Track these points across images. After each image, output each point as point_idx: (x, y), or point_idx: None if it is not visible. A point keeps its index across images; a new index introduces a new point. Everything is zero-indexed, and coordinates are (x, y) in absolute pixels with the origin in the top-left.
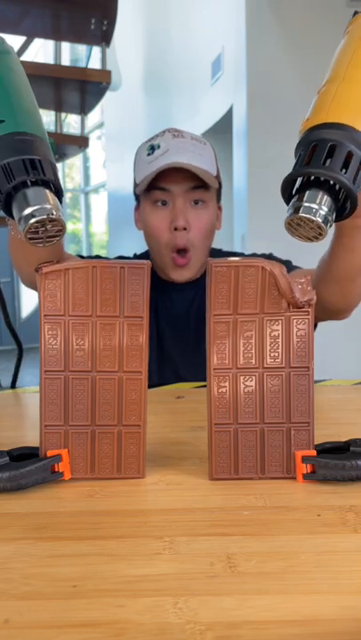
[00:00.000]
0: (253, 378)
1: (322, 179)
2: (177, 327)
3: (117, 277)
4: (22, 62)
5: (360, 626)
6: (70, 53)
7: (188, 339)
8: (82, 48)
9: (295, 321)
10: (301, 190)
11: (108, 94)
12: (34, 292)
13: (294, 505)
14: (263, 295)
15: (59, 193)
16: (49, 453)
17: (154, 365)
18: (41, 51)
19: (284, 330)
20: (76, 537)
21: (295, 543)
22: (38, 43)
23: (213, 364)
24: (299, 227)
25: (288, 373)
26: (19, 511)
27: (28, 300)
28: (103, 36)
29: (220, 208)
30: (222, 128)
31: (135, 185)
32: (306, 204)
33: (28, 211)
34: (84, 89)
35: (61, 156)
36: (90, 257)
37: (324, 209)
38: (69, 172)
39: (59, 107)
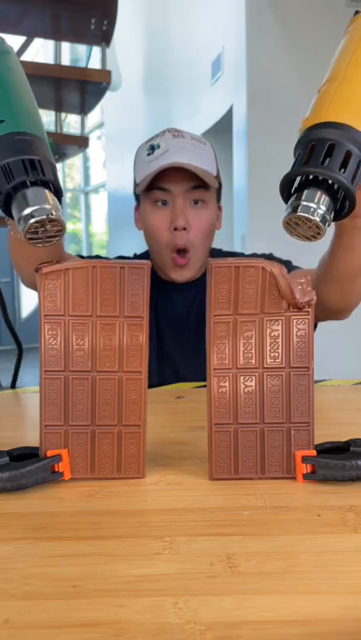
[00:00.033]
0: (253, 378)
1: (320, 178)
2: (177, 327)
3: (117, 277)
4: (22, 62)
5: (360, 626)
6: (70, 53)
7: (188, 339)
8: (82, 48)
9: (295, 321)
10: (300, 189)
11: (108, 94)
12: (34, 291)
13: (294, 505)
14: (263, 295)
15: (58, 193)
16: (49, 453)
17: (154, 365)
18: (41, 51)
19: (284, 330)
20: (76, 537)
21: (295, 543)
22: (38, 43)
23: (213, 364)
24: (297, 226)
25: (288, 373)
26: (19, 511)
27: (28, 300)
28: (103, 36)
29: (220, 208)
30: (222, 128)
31: (135, 185)
32: (304, 203)
33: (27, 211)
34: (84, 89)
35: (61, 156)
36: (90, 257)
37: (323, 208)
38: (69, 172)
39: (59, 107)
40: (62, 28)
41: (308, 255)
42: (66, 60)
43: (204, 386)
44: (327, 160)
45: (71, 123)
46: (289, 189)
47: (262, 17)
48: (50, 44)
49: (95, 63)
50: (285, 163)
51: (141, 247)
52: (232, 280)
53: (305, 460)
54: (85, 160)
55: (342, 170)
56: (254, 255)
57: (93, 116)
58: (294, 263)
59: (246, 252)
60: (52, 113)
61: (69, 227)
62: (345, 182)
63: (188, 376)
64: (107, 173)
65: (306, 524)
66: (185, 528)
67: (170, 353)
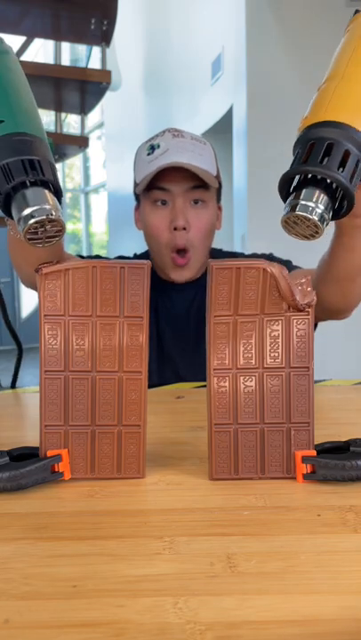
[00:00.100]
0: (253, 378)
1: (319, 177)
2: (177, 327)
3: (117, 277)
4: (22, 62)
5: (360, 626)
6: (70, 53)
7: (188, 339)
8: (82, 48)
9: (295, 321)
10: (299, 188)
11: (108, 94)
12: (34, 292)
13: (294, 505)
14: (264, 296)
15: (58, 193)
16: (49, 453)
17: (154, 365)
18: (41, 51)
19: (284, 330)
20: (76, 537)
21: (295, 543)
22: (38, 43)
23: (213, 364)
24: (295, 225)
25: (288, 373)
26: (19, 511)
27: (28, 300)
28: (103, 36)
29: (220, 208)
30: (222, 128)
31: (135, 185)
32: (302, 202)
33: (27, 211)
34: (84, 89)
35: (61, 156)
36: (90, 257)
37: (321, 207)
38: (69, 172)
39: (59, 107)
40: (62, 28)
41: (308, 255)
42: (66, 60)
43: (204, 386)
44: (326, 159)
45: (71, 123)
46: (288, 188)
47: (262, 17)
48: (50, 43)
49: (95, 63)
50: (285, 162)
51: (141, 247)
52: (233, 281)
53: (305, 460)
54: (85, 160)
55: (341, 169)
56: (254, 255)
57: (93, 116)
58: (294, 263)
59: (246, 252)
60: (52, 113)
61: (69, 227)
62: (343, 181)
63: (187, 376)
64: (107, 173)
65: (306, 524)
66: (185, 528)
67: (170, 353)
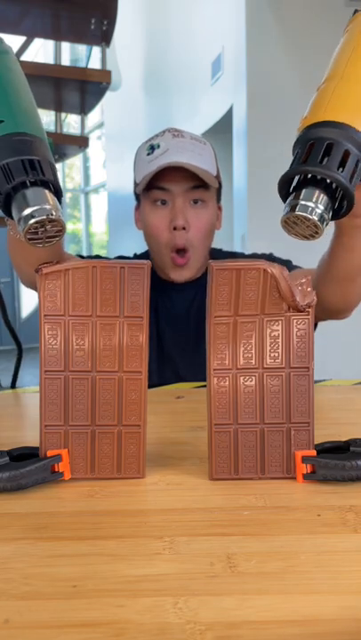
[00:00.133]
0: (253, 378)
1: (318, 177)
2: (177, 327)
3: (117, 277)
4: (22, 62)
5: (360, 626)
6: (70, 53)
7: (188, 339)
8: (82, 48)
9: (295, 321)
10: (298, 188)
11: (108, 94)
12: (34, 292)
13: (294, 505)
14: (264, 297)
15: (58, 193)
16: (49, 453)
17: (154, 365)
18: (41, 51)
19: (284, 330)
20: (76, 537)
21: (295, 543)
22: (38, 43)
23: (213, 364)
24: (295, 225)
25: (288, 374)
26: (19, 511)
27: (28, 300)
28: (103, 36)
29: (220, 208)
30: (222, 128)
31: (135, 184)
32: (302, 203)
33: (27, 211)
34: (84, 89)
35: (61, 156)
36: (90, 257)
37: (321, 207)
38: (69, 172)
39: (59, 107)
40: (62, 28)
41: (309, 255)
42: (66, 60)
43: (204, 386)
44: (325, 159)
45: (71, 123)
46: (287, 188)
47: (262, 17)
48: (50, 43)
49: (95, 63)
50: (285, 162)
51: (141, 247)
52: (233, 282)
53: (305, 460)
54: (85, 160)
55: (340, 169)
56: (254, 255)
57: (93, 116)
58: (294, 263)
59: (246, 252)
60: (52, 113)
61: (69, 227)
62: (343, 181)
63: (187, 376)
64: (107, 173)
65: (306, 524)
66: (185, 528)
67: (170, 353)
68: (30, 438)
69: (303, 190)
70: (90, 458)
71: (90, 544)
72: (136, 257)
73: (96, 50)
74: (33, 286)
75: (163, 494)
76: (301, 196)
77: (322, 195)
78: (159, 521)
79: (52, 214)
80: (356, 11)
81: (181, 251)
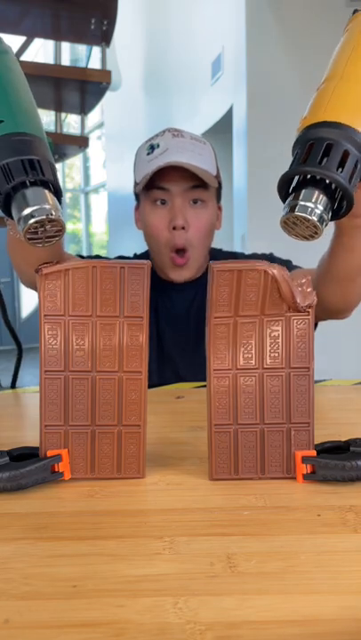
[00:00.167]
0: (253, 378)
1: (318, 177)
2: (177, 327)
3: (117, 277)
4: (22, 62)
5: (360, 626)
6: (70, 53)
7: (188, 339)
8: (82, 48)
9: (295, 321)
10: (298, 189)
11: (108, 94)
12: (34, 292)
13: (294, 505)
14: (264, 298)
15: (58, 193)
16: (49, 453)
17: (154, 365)
18: (41, 51)
19: (284, 330)
20: (76, 537)
21: (295, 543)
22: (38, 43)
23: (213, 364)
24: (295, 225)
25: (288, 374)
26: (19, 511)
27: (28, 300)
28: (103, 36)
29: (220, 208)
30: (222, 128)
31: (135, 184)
32: (302, 203)
33: (27, 211)
34: (84, 89)
35: (61, 156)
36: (90, 257)
37: (320, 208)
38: (69, 172)
39: (59, 107)
40: (62, 28)
41: (309, 255)
42: (66, 60)
43: (204, 386)
44: (325, 160)
45: (71, 123)
46: (287, 189)
47: (262, 17)
48: (50, 43)
49: (95, 63)
50: (285, 163)
51: (141, 247)
52: (234, 283)
53: (305, 460)
54: (85, 160)
55: (340, 169)
56: (254, 255)
57: (93, 116)
58: (294, 263)
59: (246, 252)
60: (52, 113)
61: (69, 227)
62: (342, 182)
63: (188, 376)
64: (107, 173)
65: (306, 524)
66: (185, 528)
67: (170, 353)
68: (30, 438)
69: (303, 191)
70: (90, 458)
71: (90, 544)
72: (136, 257)
73: (96, 50)
74: (33, 286)
75: (163, 494)
76: (301, 197)
77: (321, 195)
78: (159, 521)
79: (51, 214)
80: (355, 11)
81: (181, 250)
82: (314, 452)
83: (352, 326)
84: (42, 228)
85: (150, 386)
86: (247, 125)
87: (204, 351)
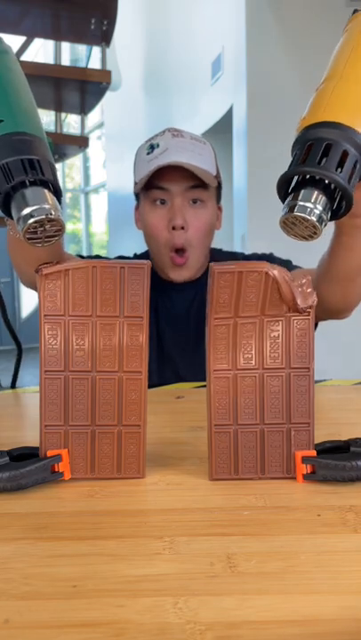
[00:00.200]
0: (253, 379)
1: (317, 178)
2: (177, 327)
3: (117, 277)
4: (22, 62)
5: (360, 626)
6: (70, 53)
7: (188, 339)
8: (82, 48)
9: (295, 322)
10: (297, 189)
11: (108, 94)
12: (34, 291)
13: (294, 505)
14: (265, 299)
15: (57, 193)
16: (49, 453)
17: (154, 365)
18: (41, 51)
19: (284, 331)
20: (76, 537)
21: (295, 543)
22: (38, 43)
23: (213, 365)
24: (294, 225)
25: (288, 374)
26: (19, 511)
27: (28, 300)
28: (103, 36)
29: (220, 208)
30: (222, 128)
31: (135, 184)
32: (301, 203)
33: (26, 211)
34: (84, 89)
35: (61, 156)
36: (90, 257)
37: (319, 208)
38: (69, 172)
39: (59, 107)
40: (62, 28)
41: (309, 255)
42: (66, 60)
43: (204, 386)
44: (324, 160)
45: (71, 123)
46: (286, 189)
47: (262, 17)
48: (50, 43)
49: (95, 63)
50: (285, 163)
51: (141, 247)
52: (234, 285)
53: (305, 460)
54: (85, 160)
55: (339, 169)
56: (254, 255)
57: (93, 116)
58: (294, 263)
59: (246, 252)
60: (52, 113)
61: (69, 227)
62: (341, 182)
63: (187, 376)
64: (107, 173)
65: (306, 524)
66: (185, 528)
67: (170, 353)
68: (30, 438)
69: (302, 191)
70: (90, 458)
71: (90, 544)
72: (136, 257)
73: (96, 50)
74: (33, 286)
75: (163, 494)
76: (300, 197)
77: (320, 195)
78: (159, 521)
79: (51, 214)
80: (355, 10)
81: (180, 250)
82: (314, 453)
83: (352, 326)
84: (41, 228)
85: (150, 386)
86: (247, 125)
87: (204, 351)
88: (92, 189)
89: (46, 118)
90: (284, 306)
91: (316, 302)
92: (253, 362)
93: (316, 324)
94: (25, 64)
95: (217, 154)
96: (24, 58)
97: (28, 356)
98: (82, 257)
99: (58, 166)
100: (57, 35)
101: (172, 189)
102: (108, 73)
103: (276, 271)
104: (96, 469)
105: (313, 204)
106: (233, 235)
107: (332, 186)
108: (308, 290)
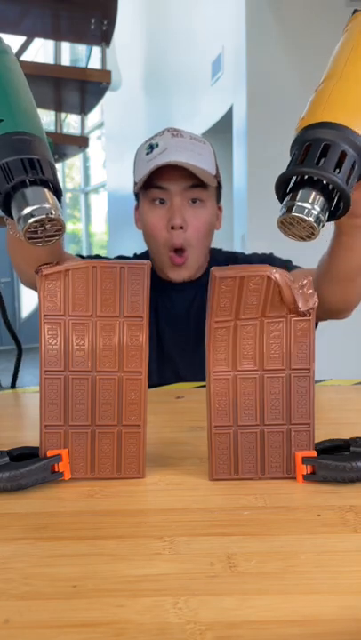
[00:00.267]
0: (253, 380)
1: (315, 178)
2: (177, 327)
3: (117, 277)
4: (22, 62)
5: (360, 626)
6: (70, 53)
7: (188, 339)
8: (82, 48)
9: (296, 322)
10: (295, 189)
11: (108, 94)
12: (34, 291)
13: (294, 505)
14: (266, 301)
15: (57, 192)
16: (49, 453)
17: (154, 365)
18: (41, 51)
19: (284, 331)
20: (76, 537)
21: (295, 543)
22: (38, 43)
23: (213, 366)
24: (292, 226)
25: (288, 375)
26: (19, 511)
27: (28, 300)
28: (103, 36)
29: (220, 208)
30: (222, 128)
31: (135, 184)
32: (298, 204)
33: (26, 210)
34: (84, 89)
35: (61, 155)
36: (90, 257)
37: (317, 208)
38: (69, 172)
39: (59, 107)
40: (62, 28)
41: (309, 255)
42: (66, 60)
43: (204, 386)
44: (322, 160)
45: (71, 123)
46: (284, 189)
47: (262, 17)
48: (50, 43)
49: (95, 63)
50: (285, 163)
51: (141, 247)
52: (235, 289)
53: (305, 461)
54: (85, 160)
55: (337, 170)
56: (254, 255)
57: (93, 116)
58: (294, 263)
59: (246, 252)
60: (52, 113)
61: (69, 227)
62: (339, 183)
63: (188, 376)
64: (107, 173)
65: (306, 524)
66: (185, 528)
67: (170, 353)
68: (30, 438)
69: (300, 191)
70: (90, 458)
71: (90, 544)
72: (136, 257)
73: (96, 50)
74: (33, 286)
75: (163, 494)
76: (298, 198)
77: (318, 196)
78: (159, 521)
79: (51, 213)
80: (355, 10)
81: (179, 250)
82: (314, 453)
83: (352, 326)
84: (42, 228)
85: (150, 386)
86: (247, 125)
87: (204, 351)
88: (92, 189)
89: (46, 118)
90: (284, 308)
91: (318, 304)
92: (253, 363)
93: (316, 324)
94: (25, 64)
95: (217, 154)
96: (24, 58)
97: (28, 355)
98: (82, 257)
99: (58, 166)
100: (57, 35)
101: (171, 189)
102: (108, 73)
103: (278, 275)
104: (96, 469)
105: (311, 205)
106: (233, 235)
107: (331, 186)
108: (309, 291)
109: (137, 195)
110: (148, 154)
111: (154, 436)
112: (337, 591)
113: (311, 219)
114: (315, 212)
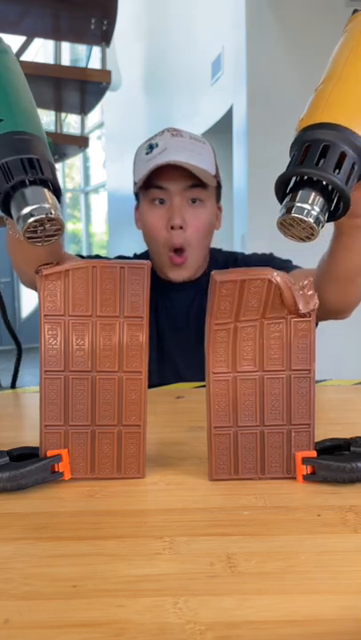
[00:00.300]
0: (253, 381)
1: (315, 179)
2: (177, 327)
3: (117, 277)
4: (22, 62)
5: (360, 626)
6: (70, 53)
7: (188, 338)
8: (82, 48)
9: (296, 323)
10: (294, 190)
11: (108, 94)
12: (34, 291)
13: (294, 505)
14: (267, 303)
15: (57, 192)
16: (49, 453)
17: (154, 365)
18: (41, 51)
19: (284, 332)
20: (76, 537)
21: (295, 543)
22: (38, 43)
23: (213, 368)
24: (291, 227)
25: (288, 376)
26: (19, 511)
27: (28, 300)
28: (103, 36)
29: (219, 208)
30: (222, 128)
31: (135, 184)
32: (298, 205)
33: (26, 210)
34: (84, 89)
35: (61, 155)
36: (90, 257)
37: (316, 209)
38: (69, 172)
39: (59, 107)
40: (62, 28)
41: (308, 255)
42: (66, 60)
43: (204, 386)
44: (322, 161)
45: (71, 123)
46: (284, 190)
47: (262, 17)
48: (50, 43)
49: (95, 63)
50: (285, 163)
51: (141, 247)
52: (236, 293)
53: (305, 461)
54: (85, 160)
55: (337, 171)
56: (254, 255)
57: (93, 116)
58: (294, 263)
59: (246, 252)
60: (52, 113)
61: (69, 227)
62: (339, 184)
63: (188, 376)
64: (107, 173)
65: (306, 524)
66: (185, 528)
67: (170, 353)
68: (30, 438)
69: (299, 192)
70: (90, 458)
71: (90, 544)
72: (136, 257)
73: (96, 50)
74: (33, 286)
75: (163, 494)
76: (297, 198)
77: (318, 197)
78: (159, 521)
79: (51, 213)
80: (355, 11)
81: (179, 250)
82: (314, 453)
83: (352, 326)
84: (41, 227)
85: (150, 386)
86: (247, 125)
87: (204, 351)
88: (92, 189)
89: (46, 118)
90: (285, 309)
91: (318, 305)
92: (253, 364)
93: (316, 324)
94: (25, 64)
95: (217, 154)
96: (24, 58)
97: (28, 355)
98: (82, 257)
99: (58, 166)
100: (57, 35)
101: (170, 189)
102: (108, 73)
103: (279, 277)
104: (96, 469)
105: (310, 206)
106: (233, 235)
107: (330, 187)
108: (310, 292)
109: (137, 195)
110: (147, 154)
111: (154, 435)
112: (337, 591)
113: (311, 219)
114: (314, 213)
